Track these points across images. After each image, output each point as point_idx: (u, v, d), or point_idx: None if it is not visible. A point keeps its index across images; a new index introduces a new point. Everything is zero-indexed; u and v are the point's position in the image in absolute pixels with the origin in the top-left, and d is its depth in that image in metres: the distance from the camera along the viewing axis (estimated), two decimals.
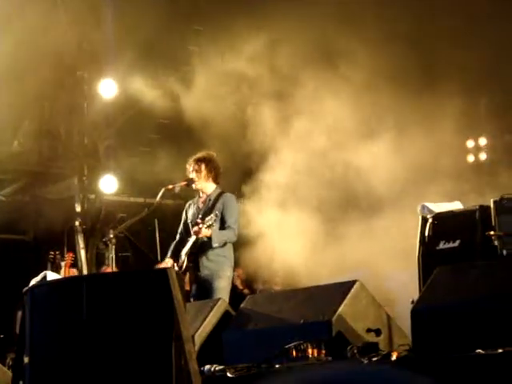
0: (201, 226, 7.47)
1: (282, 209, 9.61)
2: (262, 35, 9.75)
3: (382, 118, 9.00)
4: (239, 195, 8.79)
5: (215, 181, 7.89)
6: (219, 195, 7.80)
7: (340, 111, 9.08)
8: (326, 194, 9.53)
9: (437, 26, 8.84)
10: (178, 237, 7.95)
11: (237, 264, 8.54)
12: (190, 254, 7.64)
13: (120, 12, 12.29)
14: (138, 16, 11.74)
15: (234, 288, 11.13)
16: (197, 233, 7.54)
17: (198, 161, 7.83)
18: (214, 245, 7.53)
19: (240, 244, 8.35)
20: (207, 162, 7.83)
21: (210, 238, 7.54)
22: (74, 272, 10.58)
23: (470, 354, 4.32)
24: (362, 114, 9.13)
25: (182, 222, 7.97)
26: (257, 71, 9.78)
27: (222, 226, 7.64)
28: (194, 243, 7.61)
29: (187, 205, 8.04)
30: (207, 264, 7.61)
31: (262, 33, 9.74)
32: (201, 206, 7.85)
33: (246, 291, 11.65)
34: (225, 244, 7.65)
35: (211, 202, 7.78)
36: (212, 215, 7.49)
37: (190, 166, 7.84)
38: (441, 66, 8.87)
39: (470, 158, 10.96)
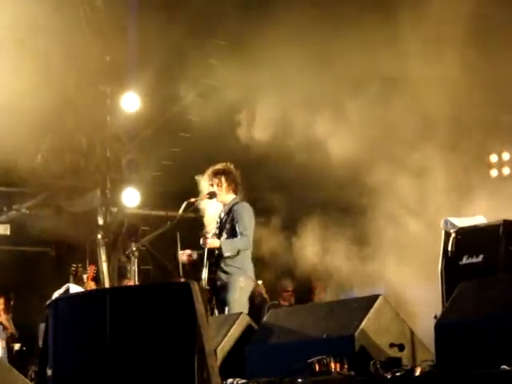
0: (207, 236, 7.47)
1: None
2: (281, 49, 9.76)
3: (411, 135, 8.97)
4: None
5: (235, 192, 7.87)
6: (234, 205, 7.76)
7: None
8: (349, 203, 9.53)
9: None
10: None
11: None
12: (209, 266, 7.62)
13: (143, 26, 12.36)
14: (160, 30, 11.80)
15: (257, 296, 11.19)
16: (204, 244, 7.53)
17: (217, 173, 7.78)
18: (225, 254, 7.49)
19: None
20: (227, 174, 7.78)
21: (220, 249, 7.53)
22: (96, 285, 10.62)
23: (495, 371, 4.29)
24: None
25: None
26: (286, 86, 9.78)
27: (235, 234, 7.60)
28: (209, 256, 7.59)
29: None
30: (220, 275, 7.57)
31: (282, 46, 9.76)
32: (220, 217, 7.86)
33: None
34: (238, 253, 7.59)
35: (226, 212, 7.78)
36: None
37: (210, 180, 7.82)
38: (464, 80, 8.83)
39: (494, 173, 10.90)
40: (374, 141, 9.08)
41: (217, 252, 7.57)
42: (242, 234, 7.56)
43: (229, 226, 7.61)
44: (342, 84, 9.04)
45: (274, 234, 9.96)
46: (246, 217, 7.67)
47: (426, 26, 8.77)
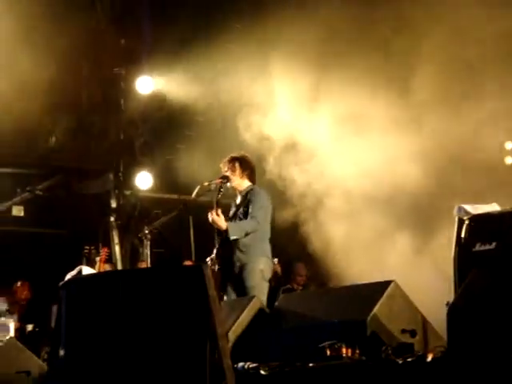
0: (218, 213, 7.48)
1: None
2: (299, 32, 9.71)
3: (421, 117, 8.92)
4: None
5: (250, 179, 7.95)
6: (249, 190, 7.86)
7: None
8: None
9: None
10: None
11: None
12: (218, 249, 7.64)
13: (157, 8, 12.35)
14: (175, 12, 11.78)
15: (272, 278, 11.20)
16: (213, 221, 7.55)
17: (233, 159, 7.92)
18: (232, 237, 7.54)
19: None
20: (241, 160, 7.93)
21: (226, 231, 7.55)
22: (108, 267, 10.66)
23: (507, 356, 4.29)
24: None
25: None
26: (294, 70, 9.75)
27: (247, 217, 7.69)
28: (220, 238, 7.61)
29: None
30: (238, 255, 7.62)
31: (300, 30, 9.71)
32: (236, 203, 7.93)
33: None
34: (246, 234, 7.62)
35: (242, 198, 7.86)
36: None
37: (225, 166, 7.92)
38: (480, 68, 8.78)
39: (509, 160, 10.86)
40: None
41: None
42: (252, 216, 7.65)
43: (243, 210, 7.69)
44: None
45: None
46: (259, 200, 7.76)
47: None
